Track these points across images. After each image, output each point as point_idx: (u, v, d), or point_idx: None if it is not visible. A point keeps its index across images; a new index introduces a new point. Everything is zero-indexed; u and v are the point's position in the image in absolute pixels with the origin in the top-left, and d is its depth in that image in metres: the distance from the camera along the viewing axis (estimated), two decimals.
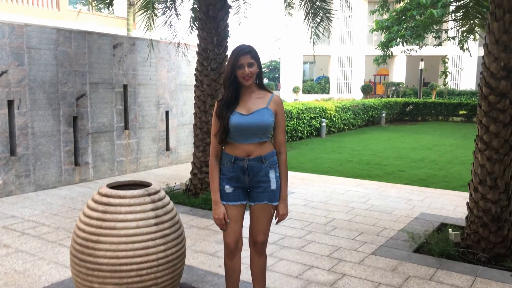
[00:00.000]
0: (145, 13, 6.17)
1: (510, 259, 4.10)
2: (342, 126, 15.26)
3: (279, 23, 32.16)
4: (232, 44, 6.29)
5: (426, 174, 8.15)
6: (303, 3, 6.13)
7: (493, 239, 4.19)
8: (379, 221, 5.24)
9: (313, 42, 6.20)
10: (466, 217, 4.47)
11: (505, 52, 4.04)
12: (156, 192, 2.89)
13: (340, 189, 6.83)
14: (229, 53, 6.26)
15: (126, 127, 7.83)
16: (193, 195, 6.19)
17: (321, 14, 5.96)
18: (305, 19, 6.23)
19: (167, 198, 2.97)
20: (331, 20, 6.03)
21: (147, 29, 6.08)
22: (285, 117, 2.79)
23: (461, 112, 19.97)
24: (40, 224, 5.05)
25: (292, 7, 7.02)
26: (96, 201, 2.80)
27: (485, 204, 4.22)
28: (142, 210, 2.75)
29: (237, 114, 2.63)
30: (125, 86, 7.76)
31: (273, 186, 2.70)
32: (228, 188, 2.70)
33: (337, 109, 14.91)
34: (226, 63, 2.69)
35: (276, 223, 2.77)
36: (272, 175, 2.70)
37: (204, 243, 4.46)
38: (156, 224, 2.76)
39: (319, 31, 6.15)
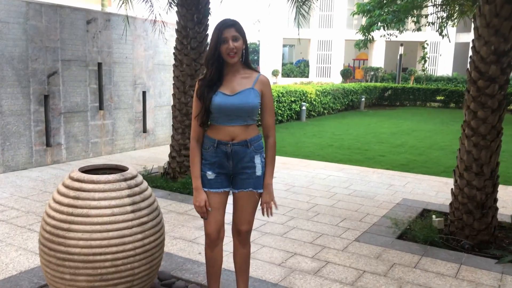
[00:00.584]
0: None
1: (493, 246, 4.07)
2: (322, 110, 15.18)
3: (259, 4, 31.65)
4: (213, 23, 6.03)
5: (407, 159, 8.14)
6: None
7: (477, 226, 4.15)
8: (361, 207, 5.16)
9: (298, 22, 5.99)
10: (450, 204, 4.41)
11: (496, 36, 3.93)
12: (133, 177, 2.68)
13: (322, 174, 6.73)
14: (210, 31, 6.01)
15: (100, 107, 7.51)
16: (171, 179, 5.99)
17: None
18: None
19: (145, 184, 2.77)
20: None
21: (122, 3, 5.75)
22: (273, 98, 2.60)
23: (438, 98, 20.16)
24: (8, 207, 4.78)
25: None
26: (67, 186, 2.58)
27: (470, 191, 4.16)
28: (117, 197, 2.55)
29: (220, 94, 2.43)
30: (99, 64, 7.42)
31: (259, 172, 2.53)
32: (210, 174, 2.52)
33: (318, 93, 14.80)
34: (209, 41, 2.45)
35: (263, 214, 2.60)
36: (257, 160, 2.52)
37: (183, 229, 4.28)
38: (133, 212, 2.56)
39: (304, 10, 5.93)
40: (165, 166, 6.18)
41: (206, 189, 2.52)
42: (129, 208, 2.56)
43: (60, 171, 6.43)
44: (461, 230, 4.24)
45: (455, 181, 4.35)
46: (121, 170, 2.80)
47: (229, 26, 2.40)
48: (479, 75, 4.05)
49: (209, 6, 5.93)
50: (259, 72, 2.56)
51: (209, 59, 2.44)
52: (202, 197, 2.49)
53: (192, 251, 3.77)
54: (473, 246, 4.07)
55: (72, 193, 2.54)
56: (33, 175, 6.16)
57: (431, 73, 31.37)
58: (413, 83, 27.24)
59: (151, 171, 6.32)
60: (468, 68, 4.22)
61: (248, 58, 2.53)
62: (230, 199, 2.62)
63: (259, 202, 2.60)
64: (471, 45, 4.23)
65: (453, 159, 8.16)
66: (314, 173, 6.77)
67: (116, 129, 7.83)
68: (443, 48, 33.14)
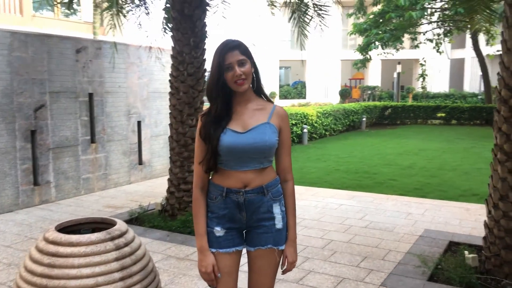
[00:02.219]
0: (109, 12, 5.44)
1: None
2: (323, 132, 14.76)
3: (255, 27, 31.65)
4: (210, 48, 5.67)
5: (419, 182, 7.66)
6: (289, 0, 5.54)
7: None
8: (381, 242, 4.66)
9: (301, 42, 5.61)
10: (484, 238, 3.93)
11: None
12: (122, 234, 2.21)
13: (332, 203, 6.24)
14: (208, 56, 5.62)
15: (92, 140, 7.05)
16: (170, 217, 5.49)
17: (311, 11, 5.36)
18: (291, 18, 5.63)
19: (137, 241, 2.29)
20: (323, 18, 5.45)
21: (110, 28, 5.36)
22: (290, 134, 2.13)
23: (439, 115, 19.81)
24: None
25: (275, 6, 6.41)
26: (40, 251, 2.10)
27: (507, 223, 3.68)
28: (103, 262, 2.07)
29: (230, 132, 1.97)
30: (90, 95, 6.99)
31: (279, 224, 2.05)
32: (218, 231, 2.04)
33: (318, 114, 14.41)
34: (208, 67, 1.98)
35: (283, 273, 2.12)
36: (276, 209, 2.05)
37: (184, 279, 3.77)
38: (122, 279, 2.08)
39: (307, 30, 5.56)
40: (162, 203, 5.69)
41: (214, 250, 2.03)
42: (117, 276, 2.07)
43: (48, 212, 5.92)
44: (499, 267, 3.74)
45: (489, 212, 3.87)
46: (108, 225, 2.33)
47: (233, 48, 1.96)
48: (510, 93, 3.62)
49: (206, 29, 5.55)
50: (273, 102, 2.12)
51: (212, 91, 1.99)
52: (209, 261, 2.00)
53: None
54: None
55: (46, 259, 2.05)
56: (19, 218, 5.65)
57: (428, 90, 31.17)
58: (411, 101, 27.00)
59: (147, 208, 5.82)
60: (497, 86, 3.81)
61: (260, 85, 2.08)
62: (243, 259, 2.14)
63: (281, 261, 2.11)
64: (498, 60, 3.82)
65: (467, 181, 7.69)
66: (324, 203, 6.27)
67: (110, 163, 7.35)
68: (438, 64, 33.06)
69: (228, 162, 2.00)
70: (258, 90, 2.07)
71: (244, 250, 2.12)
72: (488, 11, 4.21)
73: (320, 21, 5.46)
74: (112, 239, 2.15)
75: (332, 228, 5.14)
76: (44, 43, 6.31)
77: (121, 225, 2.26)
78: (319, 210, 5.93)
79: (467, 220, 5.36)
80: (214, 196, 2.05)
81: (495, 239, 3.77)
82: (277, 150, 2.07)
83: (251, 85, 2.03)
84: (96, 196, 6.83)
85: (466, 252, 4.01)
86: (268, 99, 2.10)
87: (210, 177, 2.09)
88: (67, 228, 2.30)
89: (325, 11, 5.37)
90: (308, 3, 5.40)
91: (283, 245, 2.07)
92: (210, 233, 2.04)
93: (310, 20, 5.47)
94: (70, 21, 18.49)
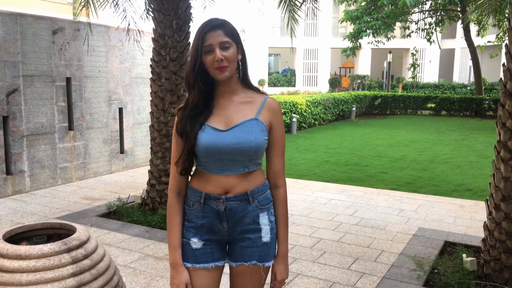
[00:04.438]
0: None
1: None
2: (313, 121, 14.48)
3: (244, 13, 31.10)
4: (195, 32, 5.27)
5: (411, 176, 7.44)
6: None
7: None
8: (373, 241, 4.41)
9: (291, 29, 5.26)
10: (483, 240, 3.69)
11: None
12: (81, 245, 1.89)
13: (321, 198, 5.98)
14: (192, 40, 5.25)
15: (70, 127, 6.66)
16: (150, 211, 5.18)
17: None
18: (281, 1, 5.27)
19: (99, 251, 1.97)
20: (316, 1, 5.11)
21: (84, 6, 4.95)
22: (284, 132, 1.81)
23: (429, 106, 19.65)
24: None
25: None
26: None
27: (509, 226, 3.43)
28: (56, 278, 1.76)
29: (209, 130, 1.66)
30: (68, 79, 6.58)
31: (266, 237, 1.75)
32: (195, 242, 1.73)
33: (308, 103, 14.11)
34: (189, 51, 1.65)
35: None
36: (264, 220, 1.74)
37: (162, 282, 3.47)
38: None
39: (299, 15, 5.21)
40: (142, 196, 5.36)
41: (189, 265, 1.73)
42: None
43: (21, 204, 5.56)
44: (499, 272, 3.50)
45: (489, 213, 3.63)
46: (67, 232, 2.01)
47: (215, 27, 1.63)
48: None
49: (191, 11, 5.18)
50: (265, 93, 1.78)
51: (189, 78, 1.67)
52: (182, 278, 1.70)
53: None
54: None
55: None
56: None
57: (418, 80, 31.11)
58: (401, 91, 26.84)
59: (127, 201, 5.49)
60: (501, 78, 3.53)
61: (246, 74, 1.75)
62: (225, 276, 1.84)
63: (270, 278, 1.82)
64: (504, 50, 3.55)
65: (460, 175, 7.49)
66: (313, 197, 6.01)
67: (89, 151, 6.98)
68: (428, 55, 32.92)
69: (207, 165, 1.69)
70: (245, 80, 1.74)
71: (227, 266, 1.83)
72: None
73: (313, 3, 5.12)
74: (69, 250, 1.83)
75: (321, 225, 4.87)
76: (17, 22, 5.88)
77: (81, 233, 1.94)
78: (307, 205, 5.66)
79: (462, 217, 5.14)
80: (192, 202, 1.74)
81: (495, 242, 3.54)
82: (268, 149, 1.76)
83: (237, 75, 1.71)
84: (74, 187, 6.47)
85: (464, 255, 3.77)
86: (258, 91, 1.77)
87: (189, 180, 1.78)
88: (18, 235, 1.98)
89: None
90: None
91: (270, 261, 1.77)
92: (185, 245, 1.74)
93: (302, 3, 5.12)
94: (51, 1, 17.80)
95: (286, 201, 1.82)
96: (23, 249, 1.77)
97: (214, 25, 1.63)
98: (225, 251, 1.79)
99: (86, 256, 1.87)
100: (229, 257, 1.79)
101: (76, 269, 1.80)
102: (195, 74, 1.64)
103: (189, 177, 1.78)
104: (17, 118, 5.93)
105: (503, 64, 3.53)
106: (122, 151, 7.59)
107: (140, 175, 7.27)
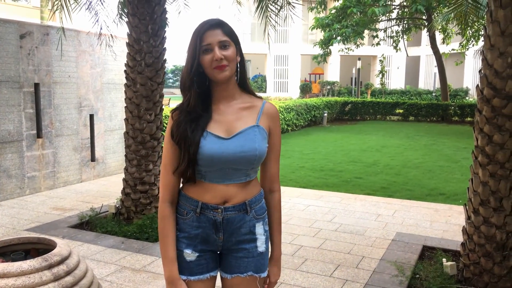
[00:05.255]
0: None
1: None
2: (286, 127, 14.52)
3: (216, 17, 30.95)
4: (170, 38, 5.18)
5: (385, 181, 7.53)
6: None
7: (497, 271, 3.48)
8: (353, 247, 4.41)
9: (268, 35, 5.24)
10: (463, 244, 3.74)
11: None
12: (63, 261, 1.78)
13: (299, 204, 5.95)
14: (168, 45, 5.16)
15: (39, 135, 6.41)
16: (125, 221, 5.02)
17: (281, 0, 5.00)
18: (258, 6, 5.25)
19: (82, 267, 1.86)
20: (293, 7, 5.10)
21: (56, 9, 4.77)
22: (281, 137, 1.78)
23: (397, 111, 20.07)
24: None
25: None
26: None
27: (488, 230, 3.50)
28: None
29: (212, 138, 1.58)
30: (36, 85, 6.34)
31: (262, 247, 1.70)
32: (189, 254, 1.65)
33: (281, 109, 14.14)
34: (186, 53, 1.57)
35: None
36: (259, 230, 1.69)
37: None
38: None
39: (276, 21, 5.19)
40: (117, 205, 5.19)
41: (184, 277, 1.65)
42: None
43: None
44: (479, 276, 3.56)
45: (468, 218, 3.68)
46: (47, 248, 1.89)
47: (214, 26, 1.58)
48: (494, 93, 3.42)
49: (167, 16, 5.08)
50: (262, 98, 1.73)
51: (186, 79, 1.59)
52: None
53: None
54: None
55: None
56: None
57: (385, 87, 31.83)
58: (370, 97, 27.35)
59: (100, 211, 5.31)
60: (478, 85, 3.60)
61: (245, 77, 1.69)
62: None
63: (266, 281, 1.78)
64: (480, 57, 3.62)
65: (432, 179, 7.64)
66: (290, 203, 5.98)
67: (58, 160, 6.73)
68: (395, 61, 33.74)
69: (208, 174, 1.61)
70: (242, 83, 1.68)
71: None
72: (472, 1, 4.01)
73: (290, 10, 5.11)
74: (50, 267, 1.72)
75: (301, 232, 4.84)
76: None
77: (62, 248, 1.82)
78: (286, 211, 5.63)
79: (438, 222, 5.22)
80: (185, 211, 1.66)
81: (474, 246, 3.59)
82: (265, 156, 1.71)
83: (235, 77, 1.65)
84: (43, 197, 6.21)
85: (444, 259, 3.82)
86: (255, 95, 1.72)
87: (181, 188, 1.70)
88: None
89: (296, 0, 5.04)
90: None
91: (265, 272, 1.72)
92: (178, 257, 1.66)
93: (280, 9, 5.11)
94: (17, 5, 17.25)
95: (281, 206, 1.80)
96: (1, 266, 1.65)
97: (213, 24, 1.58)
98: (217, 260, 1.73)
99: (68, 273, 1.75)
100: (223, 269, 1.72)
101: (58, 287, 1.68)
102: (191, 76, 1.57)
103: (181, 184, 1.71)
104: None
105: (480, 71, 3.61)
106: (93, 159, 7.36)
107: (112, 183, 7.07)
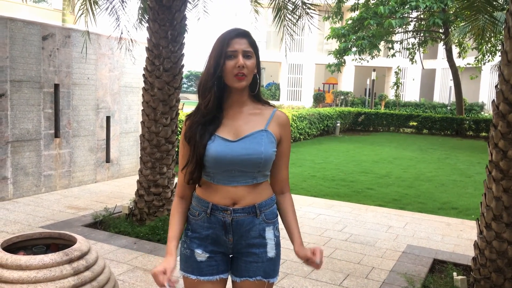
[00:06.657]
0: None
1: None
2: (298, 135, 14.55)
3: (230, 27, 31.25)
4: (189, 44, 5.27)
5: (397, 193, 7.51)
6: None
7: (508, 286, 3.46)
8: (363, 257, 4.41)
9: (285, 44, 5.30)
10: (474, 258, 3.73)
11: None
12: (82, 256, 1.84)
13: (310, 213, 5.97)
14: (186, 51, 5.25)
15: (56, 134, 6.54)
16: (138, 222, 5.09)
17: (299, 10, 5.07)
18: (276, 16, 5.32)
19: (100, 263, 1.92)
20: (311, 17, 5.16)
21: (82, 14, 4.90)
22: (291, 144, 1.84)
23: (411, 124, 19.98)
24: None
25: (259, 3, 6.09)
26: None
27: (500, 245, 3.48)
28: None
29: (219, 140, 1.65)
30: (56, 86, 6.48)
31: (271, 252, 1.74)
32: (200, 254, 1.71)
33: (294, 117, 14.19)
34: (208, 57, 1.63)
35: (320, 264, 1.72)
36: (269, 234, 1.74)
37: None
38: None
39: (294, 31, 5.26)
40: (130, 206, 5.27)
41: (194, 277, 1.71)
42: None
43: (4, 212, 5.40)
44: None
45: (480, 232, 3.67)
46: (66, 242, 1.95)
47: (241, 35, 1.65)
48: (509, 108, 3.43)
49: (186, 23, 5.18)
50: (274, 106, 1.79)
51: (207, 82, 1.65)
52: (166, 264, 1.62)
53: None
54: None
55: None
56: None
57: (400, 99, 31.71)
58: (384, 108, 27.27)
59: (114, 211, 5.39)
60: (494, 100, 3.61)
61: (259, 89, 1.76)
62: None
63: (306, 258, 1.72)
64: (497, 72, 3.64)
65: (445, 193, 7.60)
66: (301, 212, 6.00)
67: (74, 160, 6.85)
68: (410, 74, 33.60)
69: (215, 175, 1.68)
70: (257, 94, 1.76)
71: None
72: (489, 17, 4.02)
73: (308, 20, 5.18)
74: (70, 261, 1.78)
75: (311, 240, 4.86)
76: (7, 27, 5.78)
77: (82, 244, 1.89)
78: None
79: (449, 236, 5.20)
80: (197, 212, 1.72)
81: (486, 261, 3.58)
82: (274, 160, 1.76)
83: (249, 88, 1.72)
84: (58, 195, 6.33)
85: (454, 273, 3.81)
86: (266, 103, 1.78)
87: (195, 190, 1.77)
88: (15, 244, 1.91)
89: (314, 10, 5.10)
90: (295, 1, 5.10)
91: (275, 277, 1.76)
92: (190, 257, 1.73)
93: (298, 19, 5.18)
94: (39, 7, 17.61)
95: (293, 204, 1.86)
96: (23, 259, 1.71)
97: (240, 32, 1.66)
98: (229, 263, 1.78)
99: (87, 268, 1.82)
100: (233, 272, 1.77)
101: (77, 281, 1.75)
102: (214, 78, 1.63)
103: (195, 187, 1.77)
104: (2, 124, 5.79)
105: (496, 86, 3.62)
106: (108, 160, 7.47)
107: (126, 185, 7.16)
